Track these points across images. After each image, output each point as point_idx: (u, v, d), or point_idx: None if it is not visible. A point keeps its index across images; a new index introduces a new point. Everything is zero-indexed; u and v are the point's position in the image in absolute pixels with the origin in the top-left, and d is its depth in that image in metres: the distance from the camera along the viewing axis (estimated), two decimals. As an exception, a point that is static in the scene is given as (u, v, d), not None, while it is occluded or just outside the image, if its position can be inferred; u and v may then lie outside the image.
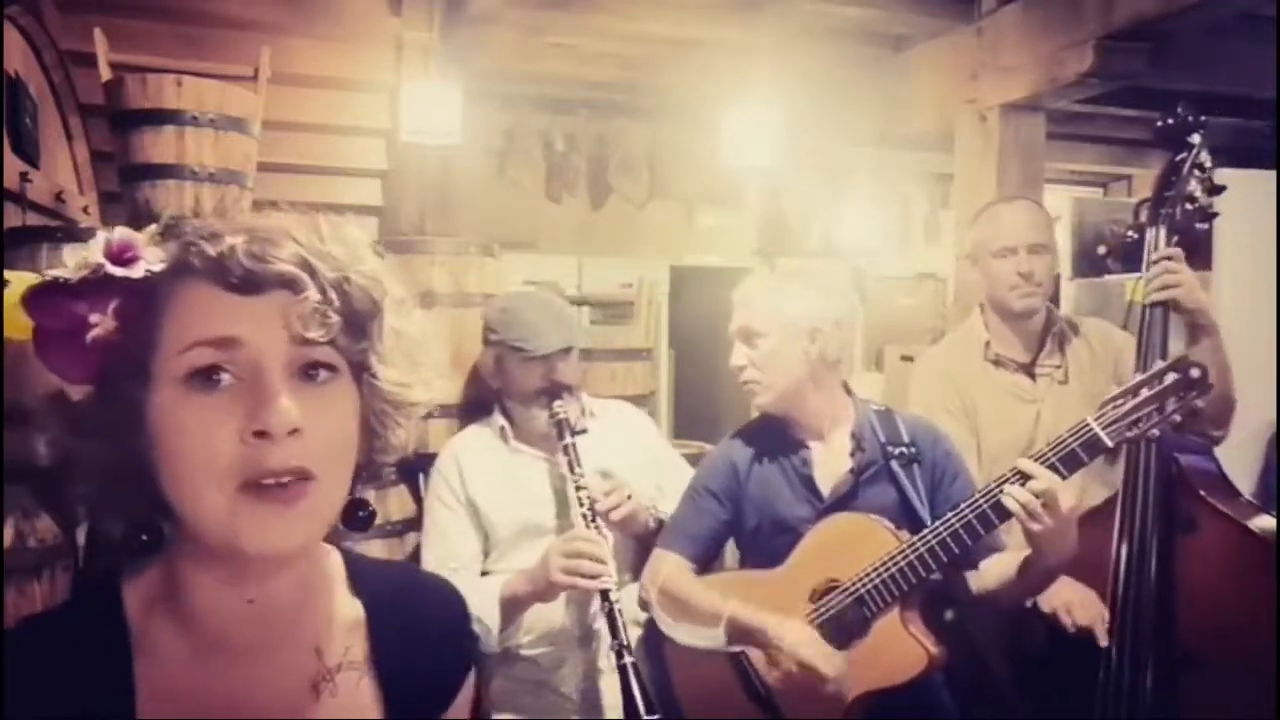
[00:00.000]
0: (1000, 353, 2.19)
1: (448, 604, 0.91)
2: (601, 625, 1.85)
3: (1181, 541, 1.85)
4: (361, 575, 0.85)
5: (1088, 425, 1.58)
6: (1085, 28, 3.43)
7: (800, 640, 1.64)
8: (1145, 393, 1.57)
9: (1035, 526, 1.54)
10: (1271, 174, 2.93)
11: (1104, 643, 1.82)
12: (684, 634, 1.77)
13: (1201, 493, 1.86)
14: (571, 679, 1.93)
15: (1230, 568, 1.82)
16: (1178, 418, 1.57)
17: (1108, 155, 5.82)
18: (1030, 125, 3.92)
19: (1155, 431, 1.59)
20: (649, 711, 1.60)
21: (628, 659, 1.64)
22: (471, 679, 0.90)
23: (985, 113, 3.92)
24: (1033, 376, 2.18)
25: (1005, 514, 1.57)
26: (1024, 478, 1.56)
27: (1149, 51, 3.43)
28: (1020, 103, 3.82)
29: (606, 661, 1.86)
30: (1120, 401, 1.58)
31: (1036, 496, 1.52)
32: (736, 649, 1.74)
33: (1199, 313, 1.95)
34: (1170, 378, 1.57)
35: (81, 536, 2.34)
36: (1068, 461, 1.57)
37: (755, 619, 1.68)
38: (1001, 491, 1.57)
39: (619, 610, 1.71)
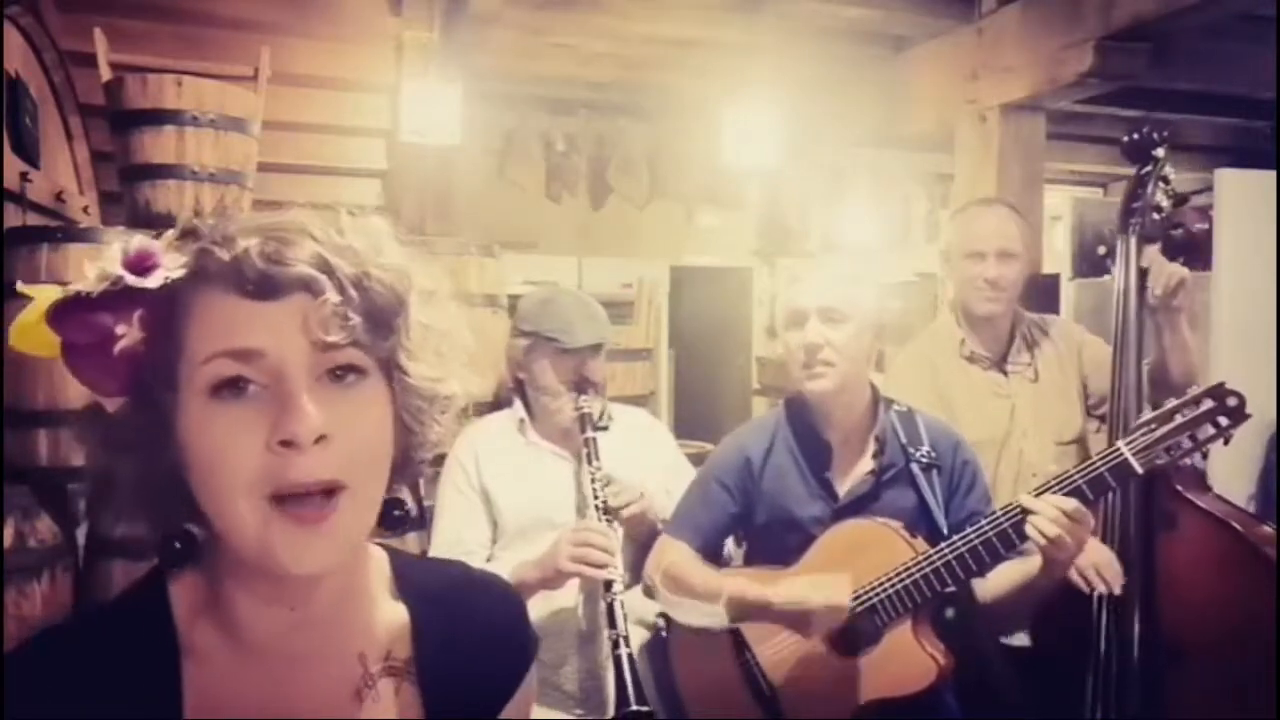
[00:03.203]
0: (974, 350, 2.22)
1: (501, 603, 0.89)
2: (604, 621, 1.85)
3: (1161, 537, 1.87)
4: (408, 576, 0.83)
5: (1118, 450, 1.56)
6: (1085, 28, 3.43)
7: (805, 590, 1.62)
8: (1179, 419, 1.55)
9: (1061, 555, 1.54)
10: (1271, 174, 2.93)
11: (1118, 591, 1.83)
12: (686, 613, 1.76)
13: (1179, 488, 1.89)
14: (574, 677, 1.93)
15: (1209, 561, 1.85)
16: (1211, 446, 1.56)
17: (1108, 155, 5.82)
18: (1030, 125, 3.92)
19: (1187, 460, 1.58)
20: (640, 702, 1.60)
21: (624, 650, 1.65)
22: (531, 678, 0.88)
23: (985, 113, 3.92)
24: (1005, 373, 2.22)
25: (1026, 534, 1.56)
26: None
27: (1149, 51, 3.43)
28: (1020, 103, 3.82)
29: (609, 660, 1.87)
30: (1153, 426, 1.56)
31: (1067, 514, 1.51)
32: (741, 635, 1.73)
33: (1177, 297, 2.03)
34: (1206, 404, 1.55)
35: (81, 536, 2.35)
36: (1095, 485, 1.56)
37: (754, 590, 1.67)
38: (1024, 514, 1.55)
39: (620, 602, 1.72)
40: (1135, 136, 2.03)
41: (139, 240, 0.69)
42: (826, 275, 1.80)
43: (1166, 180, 2.02)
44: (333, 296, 0.67)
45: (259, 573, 0.70)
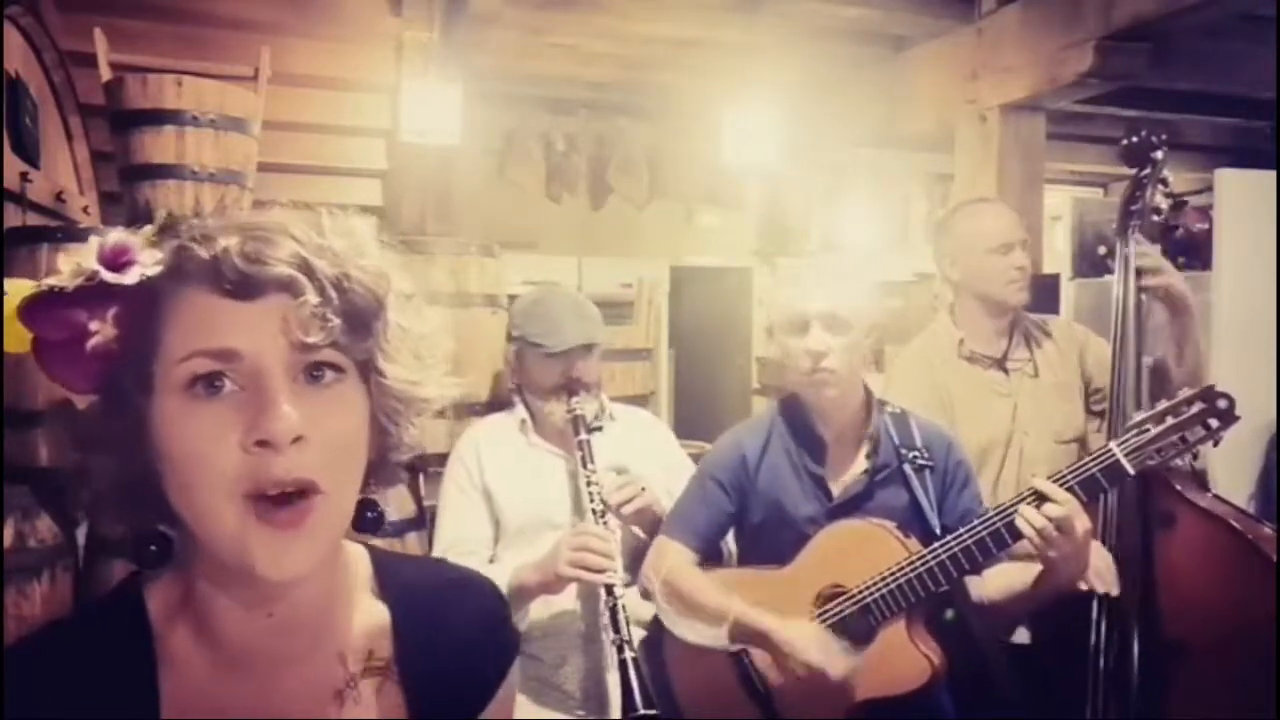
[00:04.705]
0: (974, 349, 2.22)
1: (483, 601, 0.89)
2: (606, 623, 1.85)
3: (1160, 537, 1.88)
4: (389, 575, 0.83)
5: (1110, 451, 1.57)
6: (1085, 28, 3.43)
7: (807, 642, 1.63)
8: (1170, 420, 1.56)
9: (1051, 552, 1.53)
10: (1271, 174, 2.93)
11: (1114, 593, 1.83)
12: (687, 630, 1.76)
13: (1178, 487, 1.89)
14: (575, 677, 1.93)
15: (1209, 560, 1.85)
16: (1201, 447, 1.56)
17: (1108, 155, 5.82)
18: (1030, 125, 3.93)
19: (1179, 460, 1.58)
20: (647, 705, 1.60)
21: (628, 654, 1.65)
22: (514, 676, 0.88)
23: (985, 113, 3.92)
24: (1005, 371, 2.22)
25: (1019, 533, 1.56)
26: (1040, 498, 1.55)
27: (1149, 51, 3.43)
28: (1020, 103, 3.83)
29: (611, 660, 1.87)
30: (1145, 428, 1.57)
31: (1052, 521, 1.52)
32: (738, 648, 1.74)
33: (1184, 297, 2.05)
34: (1196, 406, 1.56)
35: (81, 536, 2.35)
36: (1087, 486, 1.57)
37: (760, 621, 1.67)
38: (1016, 512, 1.56)
39: (622, 605, 1.72)
40: (1134, 139, 2.04)
41: (116, 236, 0.68)
42: (827, 280, 1.79)
43: (1165, 182, 2.04)
44: (312, 297, 0.66)
45: (236, 576, 0.69)
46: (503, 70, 4.90)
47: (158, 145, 2.63)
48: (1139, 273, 1.99)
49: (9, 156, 2.68)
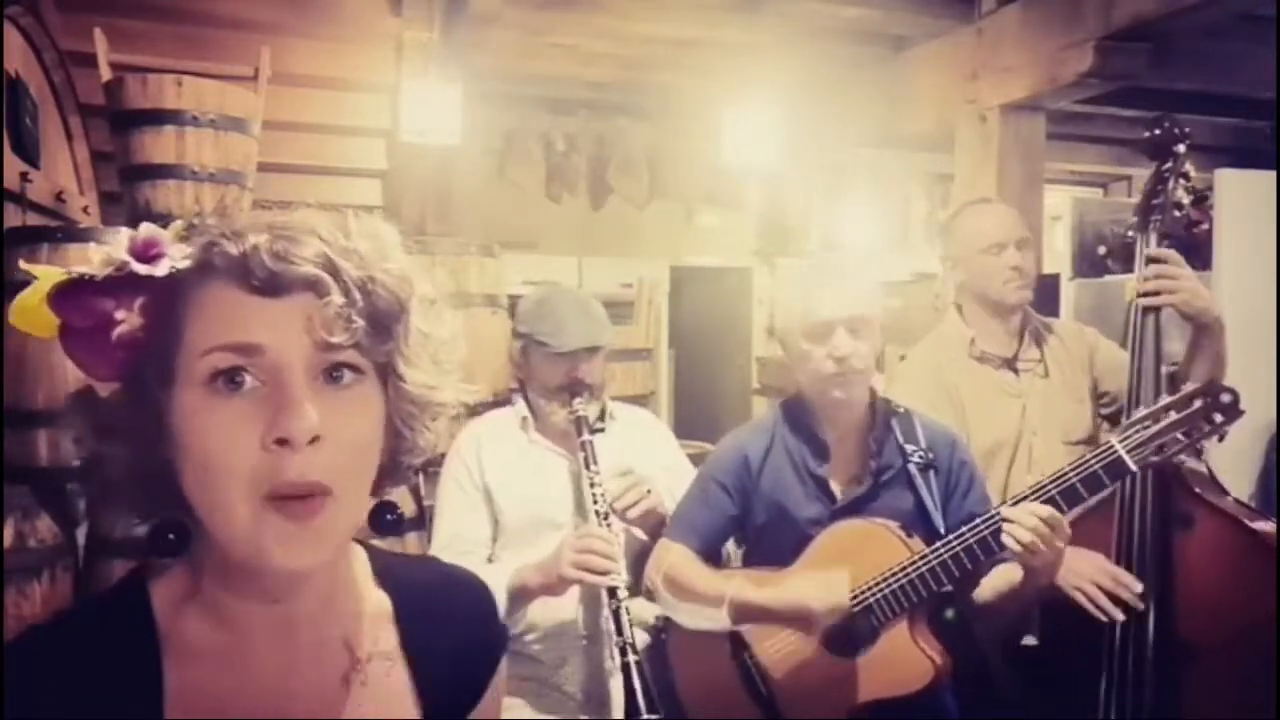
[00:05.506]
0: (984, 349, 2.21)
1: (477, 598, 0.90)
2: (608, 625, 1.85)
3: (1179, 537, 1.86)
4: (387, 570, 0.84)
5: (1112, 447, 1.56)
6: (1085, 28, 3.43)
7: (808, 594, 1.63)
8: (1173, 415, 1.55)
9: (1036, 562, 1.55)
10: (1271, 174, 2.93)
11: (1134, 600, 1.81)
12: (687, 616, 1.76)
13: (1198, 490, 1.87)
14: (575, 678, 1.93)
15: (1228, 562, 1.84)
16: (1205, 443, 1.55)
17: (1108, 155, 5.83)
18: (1030, 125, 3.92)
19: (1182, 457, 1.57)
20: (650, 710, 1.59)
21: (631, 657, 1.65)
22: (502, 674, 0.90)
23: (985, 113, 3.92)
24: (1015, 371, 2.20)
25: None
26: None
27: (1149, 51, 3.43)
28: (1020, 103, 3.82)
29: (612, 661, 1.86)
30: (1147, 424, 1.56)
31: (1044, 520, 1.52)
32: (739, 635, 1.74)
33: (1203, 313, 1.96)
34: (1199, 403, 1.55)
35: (81, 536, 2.34)
36: (1089, 482, 1.56)
37: (757, 595, 1.68)
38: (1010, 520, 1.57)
39: (625, 608, 1.71)
40: (1157, 132, 2.00)
41: (146, 228, 0.70)
42: (848, 284, 1.77)
43: (1187, 177, 1.99)
44: (337, 298, 0.67)
45: (245, 568, 0.70)
46: (503, 70, 4.89)
47: (158, 145, 2.63)
48: (1146, 293, 1.93)
49: (9, 156, 2.68)
